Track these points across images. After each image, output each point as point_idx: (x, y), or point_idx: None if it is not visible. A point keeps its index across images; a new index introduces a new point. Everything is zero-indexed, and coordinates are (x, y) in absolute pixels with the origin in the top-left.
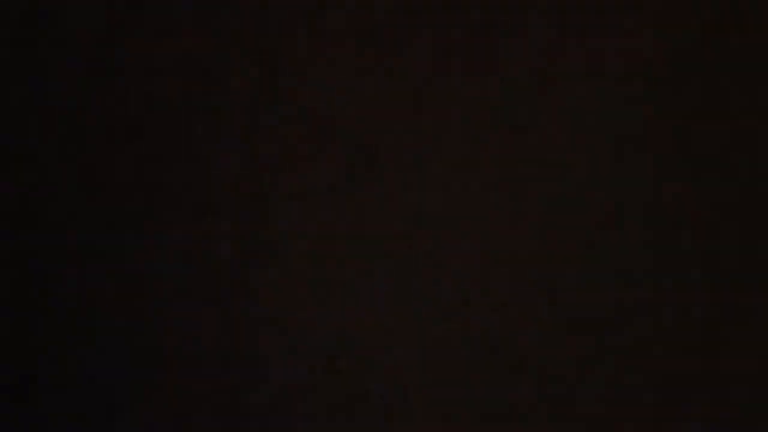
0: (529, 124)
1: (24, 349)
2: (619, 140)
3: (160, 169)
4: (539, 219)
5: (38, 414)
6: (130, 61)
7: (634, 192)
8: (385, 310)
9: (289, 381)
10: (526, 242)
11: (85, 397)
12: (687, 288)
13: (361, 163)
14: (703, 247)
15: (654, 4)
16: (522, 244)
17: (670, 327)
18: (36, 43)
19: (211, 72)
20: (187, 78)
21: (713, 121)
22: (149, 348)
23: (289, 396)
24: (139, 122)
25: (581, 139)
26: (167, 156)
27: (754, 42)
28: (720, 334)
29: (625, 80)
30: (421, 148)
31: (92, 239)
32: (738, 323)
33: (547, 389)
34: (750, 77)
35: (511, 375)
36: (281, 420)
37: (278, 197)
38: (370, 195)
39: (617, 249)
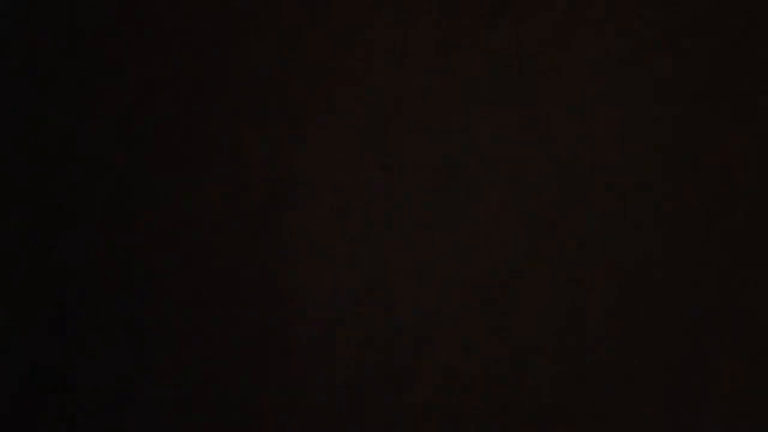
0: (554, 74)
1: (57, 293)
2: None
3: (194, 113)
4: (564, 162)
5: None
6: (162, 13)
7: (654, 139)
8: (412, 253)
9: (323, 319)
10: (551, 185)
11: (124, 333)
12: (702, 234)
13: (389, 111)
14: (716, 206)
15: None
16: (547, 187)
17: (688, 275)
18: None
19: (246, 26)
20: (221, 28)
21: (721, 98)
22: (185, 288)
23: (324, 332)
24: (170, 67)
25: (603, 88)
26: (200, 101)
27: (760, 27)
28: (736, 286)
29: (632, 61)
30: (447, 98)
31: (125, 181)
32: (752, 280)
33: (571, 330)
34: (756, 62)
35: (538, 314)
36: (317, 356)
37: (308, 145)
38: (398, 142)
39: (640, 195)
